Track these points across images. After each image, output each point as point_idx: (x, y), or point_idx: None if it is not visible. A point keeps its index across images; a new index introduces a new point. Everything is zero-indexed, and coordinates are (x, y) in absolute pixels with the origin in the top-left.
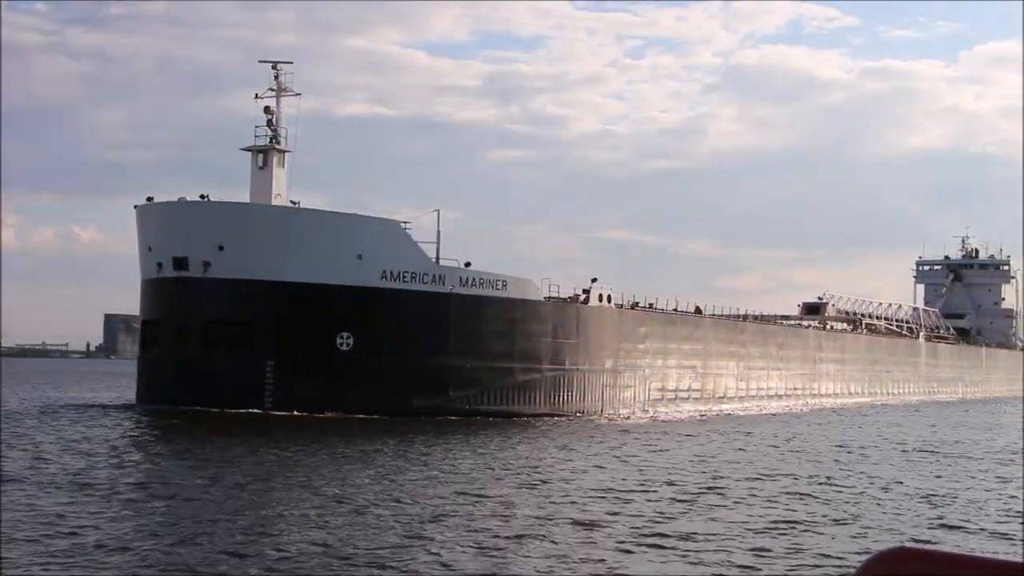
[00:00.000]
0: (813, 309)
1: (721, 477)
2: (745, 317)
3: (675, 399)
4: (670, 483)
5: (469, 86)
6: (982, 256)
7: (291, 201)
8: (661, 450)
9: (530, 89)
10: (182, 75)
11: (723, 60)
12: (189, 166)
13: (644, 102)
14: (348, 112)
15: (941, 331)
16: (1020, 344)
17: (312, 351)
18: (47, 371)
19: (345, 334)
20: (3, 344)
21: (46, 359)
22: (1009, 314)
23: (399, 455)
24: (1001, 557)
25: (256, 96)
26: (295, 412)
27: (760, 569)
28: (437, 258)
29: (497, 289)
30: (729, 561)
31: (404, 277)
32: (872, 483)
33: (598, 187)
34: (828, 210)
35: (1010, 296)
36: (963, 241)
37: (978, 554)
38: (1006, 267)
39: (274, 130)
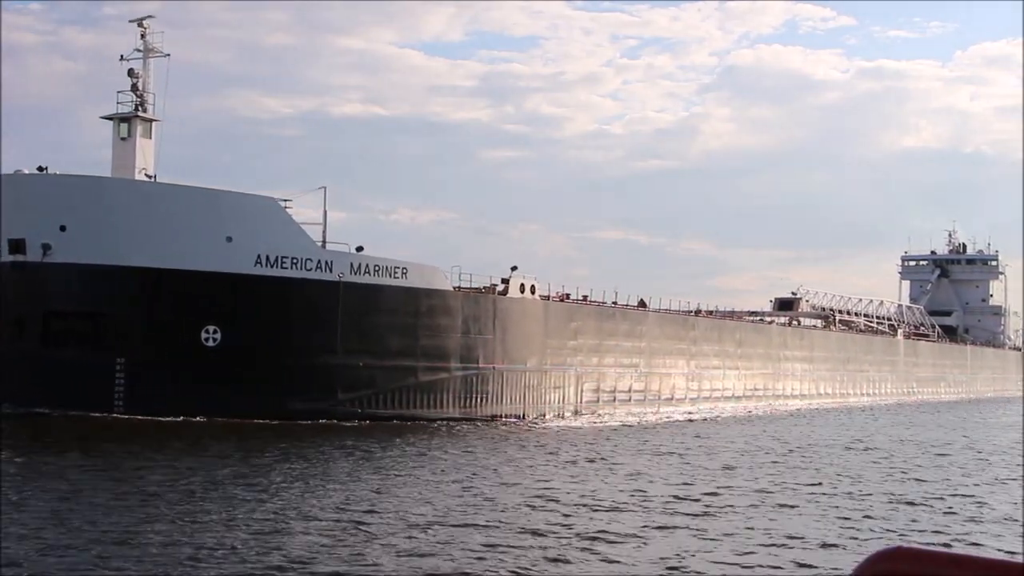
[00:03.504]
0: (786, 305)
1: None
2: (698, 311)
3: (613, 401)
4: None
5: (464, 86)
6: (970, 251)
7: (146, 175)
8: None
9: (525, 89)
10: (177, 75)
11: (718, 60)
12: (189, 166)
13: (639, 102)
14: (343, 112)
15: (926, 329)
16: (1009, 343)
17: (171, 347)
18: None
19: (211, 328)
20: None
21: None
22: (997, 311)
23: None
24: (999, 557)
25: (121, 58)
26: (150, 416)
27: None
28: (324, 241)
29: (396, 277)
30: None
31: (283, 263)
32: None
33: (593, 187)
34: (823, 210)
35: (998, 293)
36: (950, 235)
37: (975, 554)
38: (994, 262)
39: (140, 96)
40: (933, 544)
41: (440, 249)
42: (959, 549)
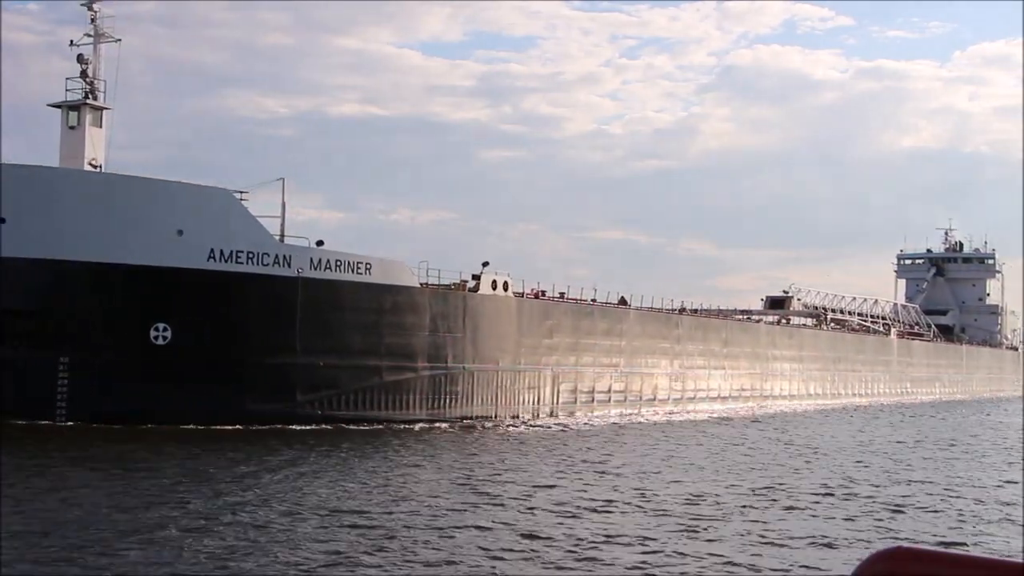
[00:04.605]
0: (777, 303)
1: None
2: (682, 310)
3: (591, 402)
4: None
5: (462, 86)
6: (966, 249)
7: (91, 164)
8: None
9: (523, 89)
10: (175, 75)
11: (717, 60)
12: (189, 165)
13: (638, 102)
14: (341, 112)
15: (921, 328)
16: (1006, 342)
17: (118, 346)
18: None
19: (161, 325)
20: None
21: None
22: (994, 310)
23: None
24: (1000, 557)
25: (71, 43)
26: (95, 423)
27: None
28: (282, 235)
29: (359, 273)
30: None
31: (238, 257)
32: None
33: (592, 187)
34: (823, 210)
35: (995, 291)
36: (946, 234)
37: (976, 554)
38: (991, 261)
39: (90, 83)
40: (933, 544)
41: (440, 249)
42: (959, 549)
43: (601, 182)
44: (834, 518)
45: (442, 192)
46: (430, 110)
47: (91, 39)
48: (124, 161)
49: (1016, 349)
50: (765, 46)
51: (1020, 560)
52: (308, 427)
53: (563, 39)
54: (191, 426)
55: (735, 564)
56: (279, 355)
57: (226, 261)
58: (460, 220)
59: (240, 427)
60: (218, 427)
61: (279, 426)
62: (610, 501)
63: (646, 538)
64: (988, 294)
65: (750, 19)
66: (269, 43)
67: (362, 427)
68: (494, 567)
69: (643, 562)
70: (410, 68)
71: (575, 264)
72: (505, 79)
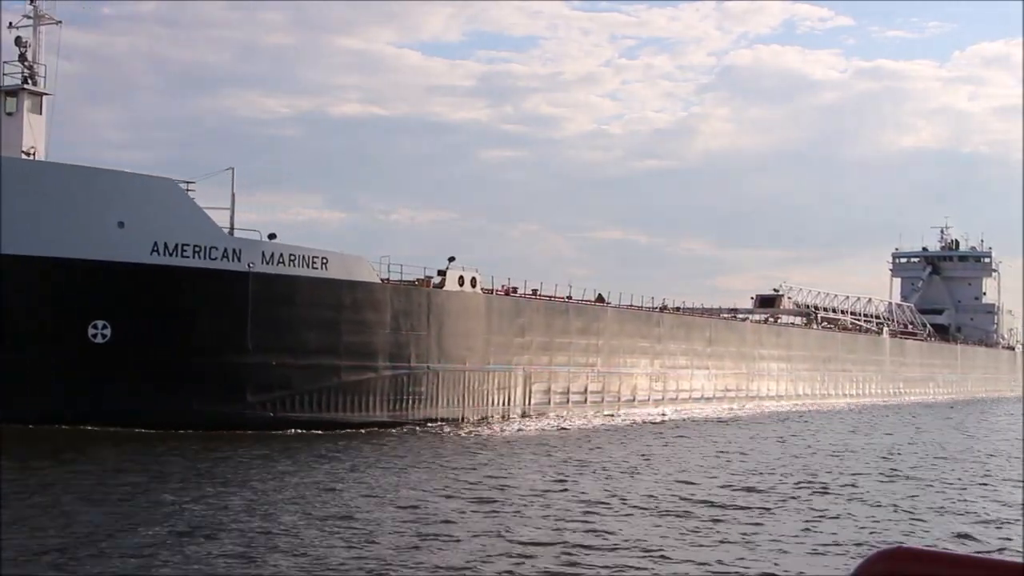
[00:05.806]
0: (767, 302)
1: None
2: (664, 307)
3: (566, 403)
4: None
5: (462, 86)
6: (962, 248)
7: (23, 152)
8: None
9: (524, 89)
10: (176, 75)
11: (717, 60)
12: (189, 165)
13: (638, 102)
14: (342, 112)
15: (916, 327)
16: (1003, 342)
17: (54, 344)
18: None
19: (100, 323)
20: None
21: None
22: (991, 309)
23: None
24: (1000, 557)
25: (10, 25)
26: (29, 423)
27: None
28: (231, 228)
29: (315, 268)
30: None
31: (183, 251)
32: None
33: (592, 187)
34: (822, 210)
35: (991, 291)
36: (942, 232)
37: (975, 554)
38: (987, 259)
39: (29, 67)
40: (933, 544)
41: (439, 249)
42: (959, 549)
43: (601, 182)
44: (823, 520)
45: (442, 192)
46: (430, 110)
47: (30, 21)
48: (124, 161)
49: (1013, 349)
50: (765, 46)
51: (1020, 560)
52: (257, 431)
53: (563, 39)
54: (116, 428)
55: (734, 564)
56: (228, 354)
57: (171, 255)
58: (460, 220)
59: (180, 430)
60: (149, 430)
61: (225, 431)
62: (601, 505)
63: (641, 540)
64: (984, 293)
65: (750, 19)
66: (270, 43)
67: (316, 431)
68: None
69: (640, 563)
70: (410, 68)
71: (575, 264)
72: (506, 79)
